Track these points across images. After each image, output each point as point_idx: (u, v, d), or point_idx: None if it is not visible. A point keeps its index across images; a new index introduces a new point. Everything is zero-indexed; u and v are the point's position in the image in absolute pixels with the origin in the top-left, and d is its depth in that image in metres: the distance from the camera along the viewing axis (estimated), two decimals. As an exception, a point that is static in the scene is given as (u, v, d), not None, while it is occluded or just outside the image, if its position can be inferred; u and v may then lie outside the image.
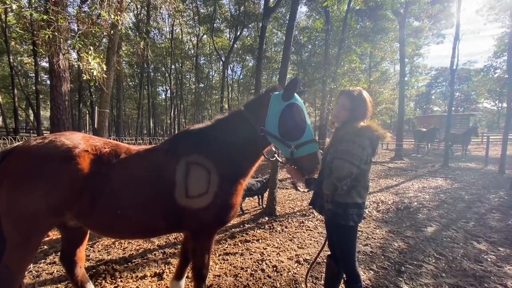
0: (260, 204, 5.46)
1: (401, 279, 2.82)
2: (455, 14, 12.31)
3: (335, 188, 1.67)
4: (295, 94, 1.80)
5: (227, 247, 3.58)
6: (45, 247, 3.48)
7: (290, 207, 5.52)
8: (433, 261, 3.22)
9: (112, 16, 5.03)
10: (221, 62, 27.62)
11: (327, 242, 2.13)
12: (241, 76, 37.32)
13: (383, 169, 10.71)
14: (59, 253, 2.27)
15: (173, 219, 1.83)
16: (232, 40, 23.68)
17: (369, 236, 3.97)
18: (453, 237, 3.95)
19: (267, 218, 4.76)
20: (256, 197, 5.56)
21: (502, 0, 11.93)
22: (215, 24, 24.03)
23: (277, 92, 1.86)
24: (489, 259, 3.26)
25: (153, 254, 3.36)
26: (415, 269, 3.02)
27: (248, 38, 25.50)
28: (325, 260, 2.19)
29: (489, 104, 48.41)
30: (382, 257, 3.32)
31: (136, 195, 1.76)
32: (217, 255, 3.35)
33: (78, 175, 1.64)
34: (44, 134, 1.97)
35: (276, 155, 2.16)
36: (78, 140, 1.77)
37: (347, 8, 14.39)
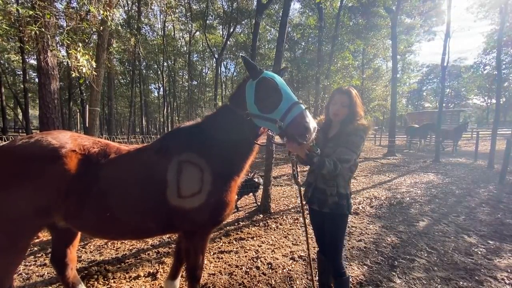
0: (255, 201, 5.46)
1: (394, 273, 2.86)
2: (445, 12, 12.49)
3: (336, 167, 1.75)
4: (265, 70, 1.77)
5: (221, 245, 3.57)
6: (35, 248, 3.40)
7: (284, 204, 5.53)
8: (425, 255, 3.27)
9: (102, 12, 4.91)
10: (214, 59, 27.43)
11: (315, 238, 2.22)
12: (234, 73, 37.15)
13: (376, 165, 10.82)
14: (49, 255, 2.21)
15: (165, 220, 1.79)
16: (225, 37, 23.51)
17: (363, 232, 4.00)
18: (444, 231, 4.02)
19: (261, 216, 4.76)
20: (250, 194, 5.54)
21: (492, -3, 12.16)
22: (207, 21, 23.81)
23: None
24: (479, 252, 3.33)
25: (146, 253, 3.32)
26: (408, 264, 3.06)
27: (241, 35, 25.35)
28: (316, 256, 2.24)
29: (479, 100, 49.45)
30: (376, 252, 3.36)
31: (126, 196, 1.72)
32: (212, 253, 3.33)
33: (64, 175, 1.60)
34: (32, 133, 1.91)
35: (272, 141, 2.07)
36: (65, 140, 1.72)
37: (340, 4, 14.44)
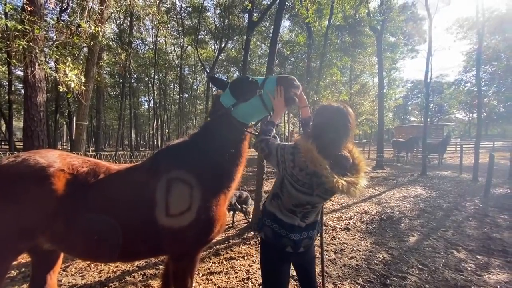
0: (246, 218, 5.36)
1: (386, 292, 2.82)
2: (427, 32, 13.17)
3: (260, 144, 1.58)
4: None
5: (211, 266, 3.45)
6: (13, 272, 3.19)
7: (275, 220, 5.45)
8: (417, 272, 3.26)
9: (93, 27, 4.91)
10: (205, 73, 27.68)
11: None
12: (225, 87, 37.45)
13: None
14: (27, 280, 2.08)
15: (155, 242, 1.73)
16: (217, 51, 23.87)
17: (354, 248, 3.98)
18: (434, 246, 4.04)
19: (252, 233, 4.66)
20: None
21: (470, 19, 12.94)
22: (199, 36, 24.17)
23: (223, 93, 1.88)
24: (469, 268, 3.35)
25: (131, 276, 3.17)
26: (400, 281, 3.04)
27: (233, 50, 25.86)
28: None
29: (461, 115, 51.42)
30: (368, 270, 3.33)
31: (115, 218, 1.65)
32: (201, 274, 3.21)
33: (52, 196, 1.54)
34: (17, 153, 1.86)
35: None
36: (54, 159, 1.67)
37: (328, 24, 15.02)
